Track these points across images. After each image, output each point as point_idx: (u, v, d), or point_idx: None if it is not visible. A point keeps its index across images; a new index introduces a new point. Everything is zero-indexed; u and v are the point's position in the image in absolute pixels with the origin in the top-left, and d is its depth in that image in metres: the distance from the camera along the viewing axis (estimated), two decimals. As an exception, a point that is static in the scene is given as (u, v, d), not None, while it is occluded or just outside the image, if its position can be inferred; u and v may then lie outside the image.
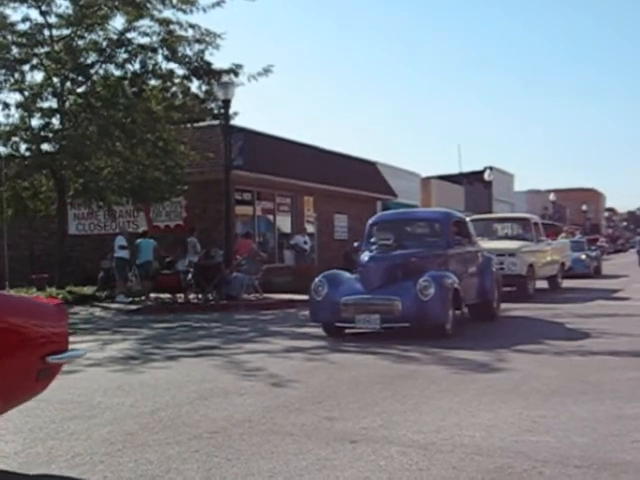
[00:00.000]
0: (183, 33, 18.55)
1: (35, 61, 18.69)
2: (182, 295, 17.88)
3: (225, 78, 18.35)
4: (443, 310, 10.19)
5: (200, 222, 21.78)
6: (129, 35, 18.75)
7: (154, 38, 18.65)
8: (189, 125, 20.16)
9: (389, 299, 10.25)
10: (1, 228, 20.70)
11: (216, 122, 20.47)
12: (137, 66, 18.89)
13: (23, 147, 18.98)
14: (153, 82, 19.37)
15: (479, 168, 46.33)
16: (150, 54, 18.72)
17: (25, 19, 18.32)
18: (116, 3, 18.17)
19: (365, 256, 11.04)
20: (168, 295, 18.12)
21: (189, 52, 18.76)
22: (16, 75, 18.46)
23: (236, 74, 18.76)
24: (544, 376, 7.25)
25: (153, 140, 18.76)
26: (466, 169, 49.51)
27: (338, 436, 5.12)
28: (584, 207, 72.33)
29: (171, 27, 18.55)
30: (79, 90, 19.26)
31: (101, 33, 18.69)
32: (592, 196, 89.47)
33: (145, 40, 18.73)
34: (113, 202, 19.46)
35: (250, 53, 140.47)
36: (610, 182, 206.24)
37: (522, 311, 13.99)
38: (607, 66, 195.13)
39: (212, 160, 20.39)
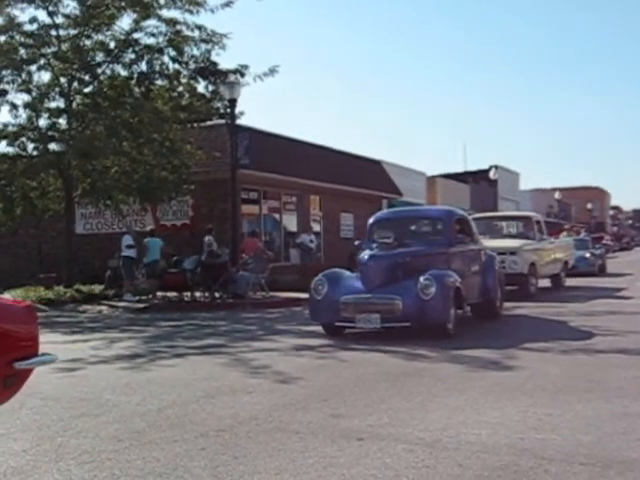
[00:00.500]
0: (190, 33, 18.61)
1: (42, 61, 18.76)
2: (189, 293, 17.93)
3: (231, 78, 18.39)
4: (444, 309, 10.03)
5: (206, 221, 21.82)
6: (136, 35, 18.83)
7: (161, 39, 18.72)
8: (195, 125, 20.21)
9: (389, 298, 10.12)
10: (10, 227, 20.83)
11: (222, 121, 20.55)
12: (144, 66, 18.96)
13: (31, 147, 19.06)
14: (160, 82, 19.43)
15: (484, 167, 46.26)
16: (157, 54, 18.79)
17: (32, 20, 18.41)
18: (123, 3, 18.22)
19: (365, 255, 10.83)
20: (175, 293, 18.18)
21: (196, 52, 18.83)
22: (23, 75, 18.54)
23: (242, 74, 18.82)
24: (550, 374, 7.25)
25: (160, 140, 18.81)
26: (471, 168, 49.52)
27: (344, 434, 5.14)
28: (589, 205, 72.11)
29: (178, 27, 18.60)
30: (86, 90, 19.32)
31: (108, 33, 18.77)
32: (597, 194, 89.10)
33: (152, 40, 18.82)
34: (120, 201, 19.51)
35: (255, 51, 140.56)
36: (615, 180, 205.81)
37: (525, 310, 13.93)
38: (612, 64, 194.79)
39: (218, 159, 20.44)
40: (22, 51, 18.50)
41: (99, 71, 19.09)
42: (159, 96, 19.19)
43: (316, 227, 27.57)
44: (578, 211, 77.10)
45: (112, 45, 18.88)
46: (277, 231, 26.14)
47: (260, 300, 17.45)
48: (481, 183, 46.49)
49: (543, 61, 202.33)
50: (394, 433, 5.14)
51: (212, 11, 18.68)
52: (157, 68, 18.99)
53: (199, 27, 18.54)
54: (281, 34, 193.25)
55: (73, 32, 18.91)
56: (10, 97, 18.61)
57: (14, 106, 18.58)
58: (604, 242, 44.23)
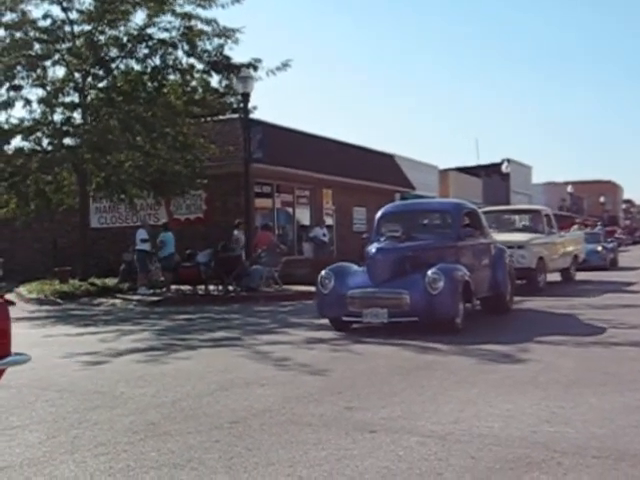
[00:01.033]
0: (203, 27, 18.67)
1: (57, 57, 18.88)
2: (203, 287, 18.01)
3: (244, 72, 18.41)
4: (453, 304, 9.85)
5: (220, 215, 21.94)
6: (149, 30, 18.88)
7: (174, 33, 18.77)
8: (209, 119, 20.26)
9: (397, 293, 9.95)
10: (24, 222, 20.99)
11: (235, 116, 20.57)
12: (157, 61, 19.02)
13: (45, 142, 19.18)
14: (173, 77, 19.49)
15: (497, 160, 46.15)
16: (170, 49, 18.84)
17: (47, 15, 18.52)
18: (137, -1, 18.30)
19: (373, 248, 10.65)
20: (189, 287, 18.26)
21: (209, 47, 18.88)
22: (38, 71, 18.64)
23: (255, 68, 18.85)
24: (563, 367, 7.25)
25: (173, 134, 18.88)
26: (484, 161, 49.35)
27: (357, 426, 5.17)
28: (602, 199, 71.71)
29: (191, 22, 18.64)
30: (100, 85, 19.42)
31: (122, 28, 18.82)
32: (610, 188, 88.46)
33: (165, 35, 18.88)
34: (134, 195, 19.60)
35: (267, 45, 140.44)
36: (627, 174, 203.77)
37: (535, 304, 13.77)
38: (624, 58, 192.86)
39: (232, 153, 20.48)
40: (37, 47, 18.64)
41: (113, 66, 19.18)
42: (172, 91, 19.25)
43: (329, 221, 27.57)
44: (590, 205, 76.74)
45: (126, 40, 18.95)
46: (290, 225, 26.18)
47: (273, 293, 17.49)
48: (493, 177, 46.36)
49: (555, 54, 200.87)
50: (407, 426, 5.16)
51: (222, 6, 18.78)
52: (170, 63, 19.05)
53: (212, 21, 18.59)
54: (294, 29, 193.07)
55: (87, 28, 19.00)
56: (25, 92, 18.75)
57: (28, 101, 18.70)
58: (616, 236, 43.92)
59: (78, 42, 18.86)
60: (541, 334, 9.47)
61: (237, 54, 22.86)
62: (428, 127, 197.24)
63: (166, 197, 21.25)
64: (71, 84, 19.02)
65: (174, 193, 20.18)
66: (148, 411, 5.80)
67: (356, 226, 29.47)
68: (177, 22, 18.68)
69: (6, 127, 18.76)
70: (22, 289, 19.15)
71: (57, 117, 19.10)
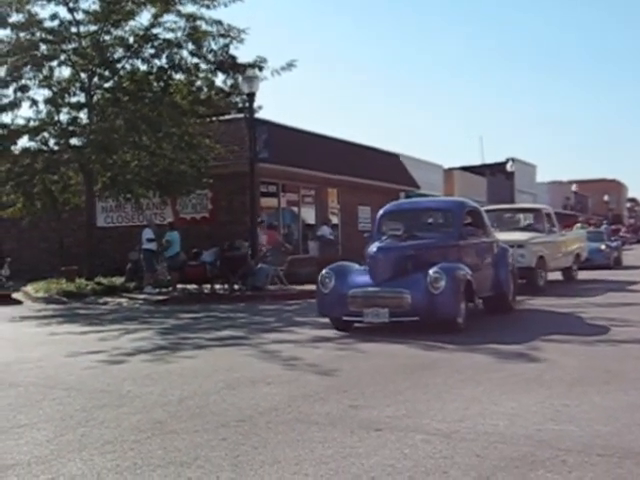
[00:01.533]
0: (208, 28, 18.71)
1: (63, 57, 18.95)
2: (208, 286, 18.05)
3: (250, 72, 18.44)
4: (455, 303, 9.76)
5: (225, 214, 22.01)
6: (155, 30, 18.93)
7: (179, 33, 18.83)
8: (214, 119, 20.30)
9: (398, 292, 9.84)
10: (31, 221, 21.08)
11: (241, 115, 20.60)
12: (163, 61, 19.09)
13: (52, 142, 19.26)
14: (179, 76, 19.55)
15: (501, 159, 46.03)
16: (176, 49, 18.90)
17: (53, 16, 18.59)
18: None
19: (373, 247, 10.49)
20: (194, 286, 18.30)
21: (214, 46, 18.93)
22: (44, 71, 18.71)
23: (260, 68, 18.88)
24: (567, 365, 7.25)
25: (179, 134, 18.93)
26: (488, 160, 49.24)
27: (363, 424, 5.19)
28: (606, 197, 71.48)
29: (197, 23, 18.69)
30: (106, 85, 19.50)
31: (127, 29, 18.89)
32: (614, 187, 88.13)
33: (171, 35, 18.94)
34: (140, 195, 19.66)
35: (272, 45, 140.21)
36: (632, 173, 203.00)
37: (538, 302, 13.74)
38: (628, 56, 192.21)
39: (237, 153, 20.53)
40: (43, 47, 18.70)
41: (119, 66, 19.24)
42: (178, 90, 19.30)
43: (334, 220, 27.61)
44: (595, 203, 76.51)
45: (131, 40, 19.01)
46: (295, 224, 26.20)
47: (278, 292, 17.52)
48: (498, 176, 46.27)
49: (558, 53, 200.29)
50: (412, 424, 5.18)
51: (225, 5, 18.82)
52: (176, 62, 19.10)
53: (217, 22, 18.64)
54: (298, 29, 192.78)
55: (93, 28, 19.08)
56: (31, 93, 18.83)
57: (34, 102, 18.78)
58: (621, 234, 43.75)
59: (84, 42, 18.95)
60: (545, 333, 9.46)
61: (241, 54, 22.93)
62: (433, 127, 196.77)
63: (172, 196, 21.31)
64: (77, 84, 19.11)
65: (180, 193, 20.24)
66: (155, 409, 5.83)
67: (361, 225, 29.46)
68: (182, 22, 18.75)
69: (13, 127, 18.85)
70: (29, 288, 19.23)
71: (63, 117, 19.22)
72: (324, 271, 10.62)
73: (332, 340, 9.57)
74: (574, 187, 64.52)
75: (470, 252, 11.38)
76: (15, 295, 18.79)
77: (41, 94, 19.00)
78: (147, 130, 18.50)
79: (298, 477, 4.14)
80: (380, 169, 29.32)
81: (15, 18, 18.40)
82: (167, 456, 4.57)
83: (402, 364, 7.63)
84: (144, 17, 18.89)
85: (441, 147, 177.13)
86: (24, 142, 19.23)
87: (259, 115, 19.74)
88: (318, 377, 7.03)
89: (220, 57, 19.07)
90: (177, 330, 11.44)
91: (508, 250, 12.95)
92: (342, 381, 6.81)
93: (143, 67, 19.31)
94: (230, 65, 19.18)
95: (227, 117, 21.03)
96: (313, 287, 17.10)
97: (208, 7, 18.68)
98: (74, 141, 19.37)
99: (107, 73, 19.21)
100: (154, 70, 19.20)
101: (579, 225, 29.12)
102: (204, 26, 18.72)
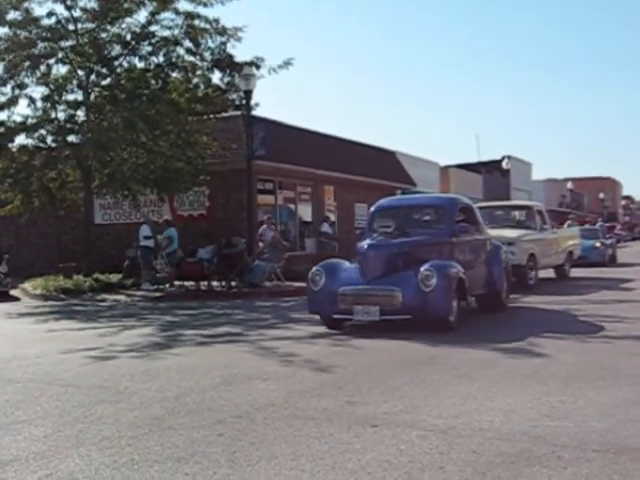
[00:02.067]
0: (205, 26, 18.69)
1: (60, 55, 18.93)
2: (206, 283, 18.07)
3: (247, 70, 18.44)
4: (446, 301, 9.61)
5: (223, 211, 22.01)
6: (152, 28, 18.93)
7: (176, 31, 18.82)
8: (211, 116, 20.30)
9: (389, 290, 9.69)
10: (29, 218, 21.08)
11: (238, 113, 20.62)
12: (160, 58, 19.08)
13: (49, 139, 19.25)
14: (176, 74, 19.54)
15: (497, 157, 46.10)
16: (173, 47, 18.89)
17: (50, 14, 18.55)
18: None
19: (364, 244, 10.36)
20: (192, 282, 18.32)
21: (211, 44, 18.93)
22: (42, 69, 18.69)
23: (257, 66, 18.88)
24: (562, 362, 7.27)
25: (176, 131, 18.92)
26: (484, 158, 49.34)
27: (359, 420, 5.21)
28: (601, 195, 71.64)
29: (194, 21, 18.69)
30: (104, 83, 19.49)
31: (124, 26, 18.87)
32: (609, 184, 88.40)
33: (168, 33, 18.92)
34: (138, 192, 19.66)
35: (268, 42, 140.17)
36: (627, 170, 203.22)
37: (531, 300, 13.71)
38: (624, 56, 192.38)
39: (234, 150, 20.56)
40: (40, 45, 18.66)
41: (116, 64, 19.23)
42: (175, 88, 19.29)
43: (331, 217, 27.64)
44: (590, 201, 76.72)
45: (129, 38, 18.99)
46: (292, 221, 26.23)
47: (275, 289, 17.54)
48: (494, 173, 46.36)
49: (554, 51, 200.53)
50: (408, 420, 5.20)
51: (222, 3, 18.82)
52: (173, 60, 19.09)
53: (214, 20, 18.65)
54: (296, 27, 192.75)
55: (90, 26, 19.05)
56: (29, 90, 18.82)
57: (32, 100, 18.77)
58: (616, 232, 43.74)
59: (81, 40, 18.91)
60: (540, 330, 9.48)
61: (239, 52, 22.97)
62: (429, 124, 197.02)
63: (169, 194, 21.32)
64: (74, 82, 19.11)
65: (177, 190, 20.23)
66: (152, 405, 5.84)
67: (358, 222, 29.48)
68: (179, 20, 18.75)
69: (10, 125, 18.83)
70: (27, 285, 19.23)
71: (61, 115, 19.20)
72: (314, 268, 10.49)
73: (328, 336, 9.60)
74: (570, 185, 64.61)
75: (463, 249, 11.25)
76: (13, 292, 18.79)
77: (38, 92, 19.04)
78: (144, 128, 18.49)
79: (295, 472, 4.16)
80: (377, 166, 29.35)
81: (12, 15, 18.36)
82: (164, 452, 4.59)
83: (398, 360, 7.66)
84: (141, 14, 18.91)
85: (438, 145, 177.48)
86: (21, 139, 19.26)
87: (256, 113, 19.74)
88: (315, 373, 7.05)
89: (217, 55, 19.07)
90: (174, 326, 11.45)
91: (501, 247, 12.84)
92: (338, 377, 6.84)
93: (140, 65, 19.32)
94: (227, 63, 19.18)
95: (224, 115, 21.01)
96: (310, 284, 17.25)
97: (205, 5, 18.69)
98: (72, 138, 19.37)
99: (104, 71, 19.21)
100: (151, 68, 19.19)
101: (569, 222, 28.97)
102: (202, 24, 18.70)
